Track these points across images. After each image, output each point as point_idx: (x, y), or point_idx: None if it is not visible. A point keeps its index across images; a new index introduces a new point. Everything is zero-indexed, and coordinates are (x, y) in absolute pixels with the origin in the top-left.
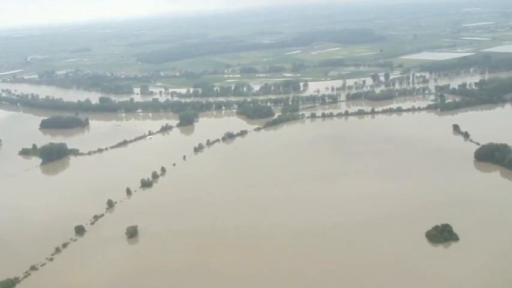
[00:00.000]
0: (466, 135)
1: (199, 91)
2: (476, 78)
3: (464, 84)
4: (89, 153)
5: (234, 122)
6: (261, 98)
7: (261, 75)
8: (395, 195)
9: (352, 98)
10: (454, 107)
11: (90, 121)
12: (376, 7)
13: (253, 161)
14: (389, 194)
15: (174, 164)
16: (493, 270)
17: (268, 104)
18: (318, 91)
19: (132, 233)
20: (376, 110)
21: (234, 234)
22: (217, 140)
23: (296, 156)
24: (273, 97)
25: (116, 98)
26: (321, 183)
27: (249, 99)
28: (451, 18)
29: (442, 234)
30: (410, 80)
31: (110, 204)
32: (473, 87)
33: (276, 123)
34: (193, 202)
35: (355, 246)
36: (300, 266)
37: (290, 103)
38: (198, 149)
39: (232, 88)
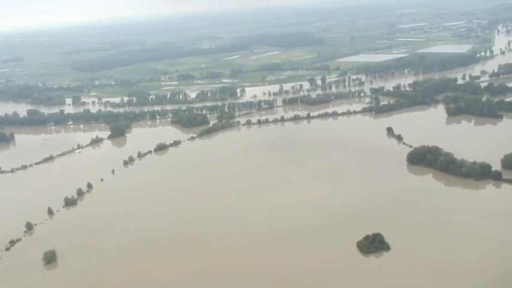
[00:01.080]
0: (399, 138)
1: (134, 100)
2: (411, 80)
3: (398, 86)
4: (12, 171)
5: (169, 132)
6: (197, 105)
7: (198, 81)
8: (327, 202)
9: (288, 103)
10: (388, 109)
11: (16, 136)
12: (315, 10)
13: (186, 173)
14: (321, 202)
15: (102, 179)
16: (424, 281)
17: (204, 111)
18: (255, 97)
19: (50, 258)
20: (312, 114)
21: (166, 247)
22: (149, 152)
23: (229, 165)
24: (209, 104)
25: (45, 110)
26: (253, 192)
27: (184, 108)
28: (387, 20)
29: (373, 244)
30: (347, 83)
31: (29, 227)
32: (408, 88)
33: (210, 131)
34: (119, 219)
35: (282, 258)
36: (226, 278)
37: (226, 110)
38: (128, 162)
39: (168, 96)
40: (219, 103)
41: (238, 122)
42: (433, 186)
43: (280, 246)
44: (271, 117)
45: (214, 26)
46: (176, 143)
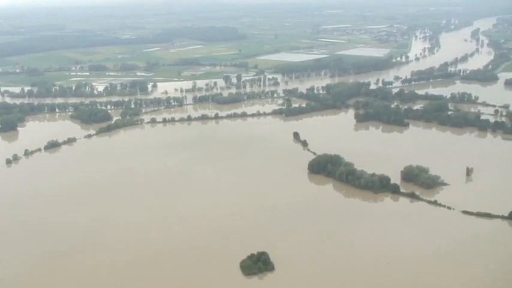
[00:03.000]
0: (304, 144)
1: (35, 91)
2: (327, 82)
3: (312, 88)
4: None
5: (67, 128)
6: (103, 100)
7: (111, 73)
8: (216, 216)
9: (199, 101)
10: (298, 113)
11: None
12: (246, 5)
13: (75, 175)
14: (209, 215)
15: None
16: None
17: (109, 106)
18: (166, 93)
19: None
20: (221, 114)
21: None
22: (39, 150)
23: (119, 169)
24: (114, 99)
25: None
26: (142, 204)
27: (87, 102)
28: (313, 19)
29: (257, 265)
30: (262, 83)
31: None
32: (321, 91)
33: (111, 129)
34: None
35: (154, 282)
36: None
37: (132, 106)
38: (12, 160)
39: (74, 88)
40: (126, 98)
41: (142, 120)
42: (331, 198)
43: (155, 269)
44: (178, 116)
45: (140, 15)
46: (70, 141)
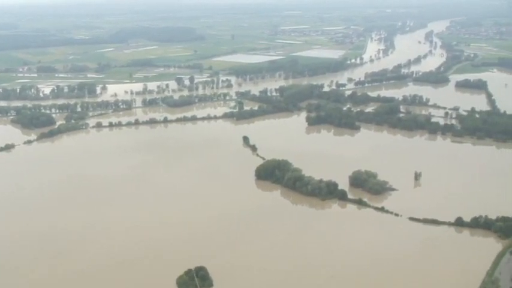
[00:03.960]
0: (254, 149)
1: None
2: (281, 84)
3: (265, 91)
4: None
5: (7, 133)
6: (48, 103)
7: (61, 75)
8: (156, 227)
9: (149, 104)
10: (250, 116)
11: None
12: (207, 5)
13: (8, 186)
14: (148, 226)
15: None
16: None
17: (53, 110)
18: (116, 95)
19: None
20: (170, 118)
21: None
22: None
23: (65, 178)
24: (60, 102)
25: None
26: (81, 213)
27: (30, 105)
28: (272, 20)
29: (193, 281)
30: (215, 85)
31: None
32: (274, 93)
33: (53, 134)
34: None
35: None
36: None
37: (79, 109)
38: None
39: (18, 90)
40: (73, 101)
41: (87, 125)
42: (278, 205)
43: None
44: (125, 120)
45: (97, 15)
46: (8, 147)
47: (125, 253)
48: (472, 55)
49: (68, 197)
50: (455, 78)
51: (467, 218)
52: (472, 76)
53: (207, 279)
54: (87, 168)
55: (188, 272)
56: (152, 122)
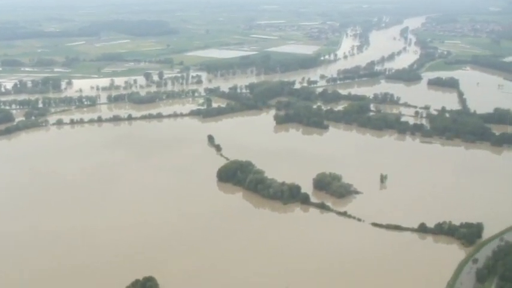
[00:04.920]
0: (218, 148)
1: None
2: (253, 80)
3: (235, 87)
4: None
5: None
6: (9, 98)
7: (27, 69)
8: (105, 234)
9: (114, 100)
10: (217, 113)
11: None
12: None
13: None
14: (97, 233)
15: None
16: None
17: (14, 106)
18: (80, 91)
19: None
20: (135, 115)
21: None
22: None
23: (25, 179)
24: (21, 98)
25: None
26: (40, 218)
27: None
28: (248, 15)
29: None
30: (185, 80)
31: None
32: (244, 90)
33: (11, 131)
34: None
35: None
36: None
37: (40, 105)
38: None
39: None
40: (35, 97)
41: (47, 122)
42: (238, 210)
43: None
44: (88, 117)
45: (70, 6)
46: None
47: (66, 261)
48: (446, 52)
49: (17, 197)
50: (427, 75)
51: (431, 224)
52: (444, 74)
53: None
54: (42, 167)
55: (135, 283)
56: (116, 119)
